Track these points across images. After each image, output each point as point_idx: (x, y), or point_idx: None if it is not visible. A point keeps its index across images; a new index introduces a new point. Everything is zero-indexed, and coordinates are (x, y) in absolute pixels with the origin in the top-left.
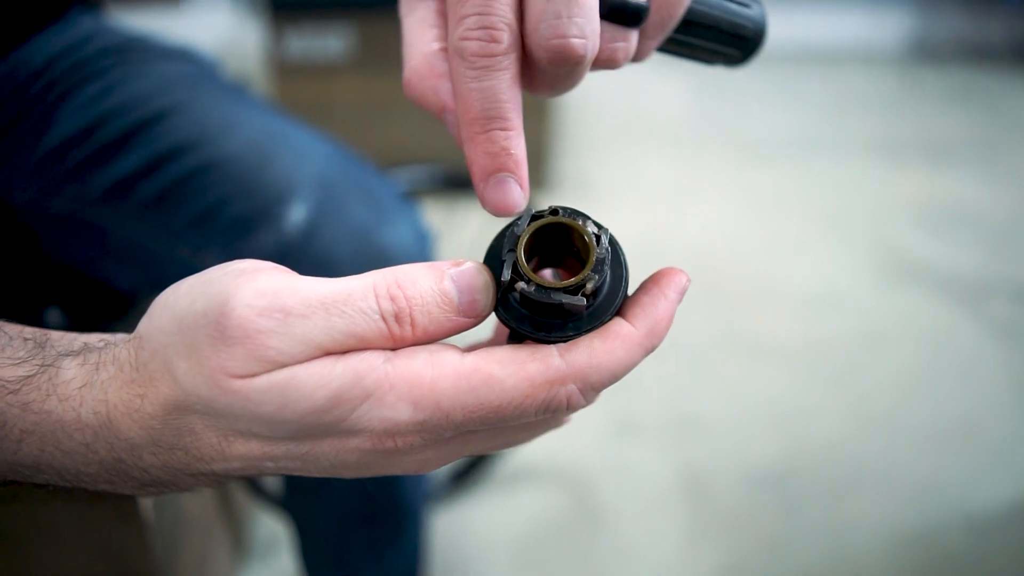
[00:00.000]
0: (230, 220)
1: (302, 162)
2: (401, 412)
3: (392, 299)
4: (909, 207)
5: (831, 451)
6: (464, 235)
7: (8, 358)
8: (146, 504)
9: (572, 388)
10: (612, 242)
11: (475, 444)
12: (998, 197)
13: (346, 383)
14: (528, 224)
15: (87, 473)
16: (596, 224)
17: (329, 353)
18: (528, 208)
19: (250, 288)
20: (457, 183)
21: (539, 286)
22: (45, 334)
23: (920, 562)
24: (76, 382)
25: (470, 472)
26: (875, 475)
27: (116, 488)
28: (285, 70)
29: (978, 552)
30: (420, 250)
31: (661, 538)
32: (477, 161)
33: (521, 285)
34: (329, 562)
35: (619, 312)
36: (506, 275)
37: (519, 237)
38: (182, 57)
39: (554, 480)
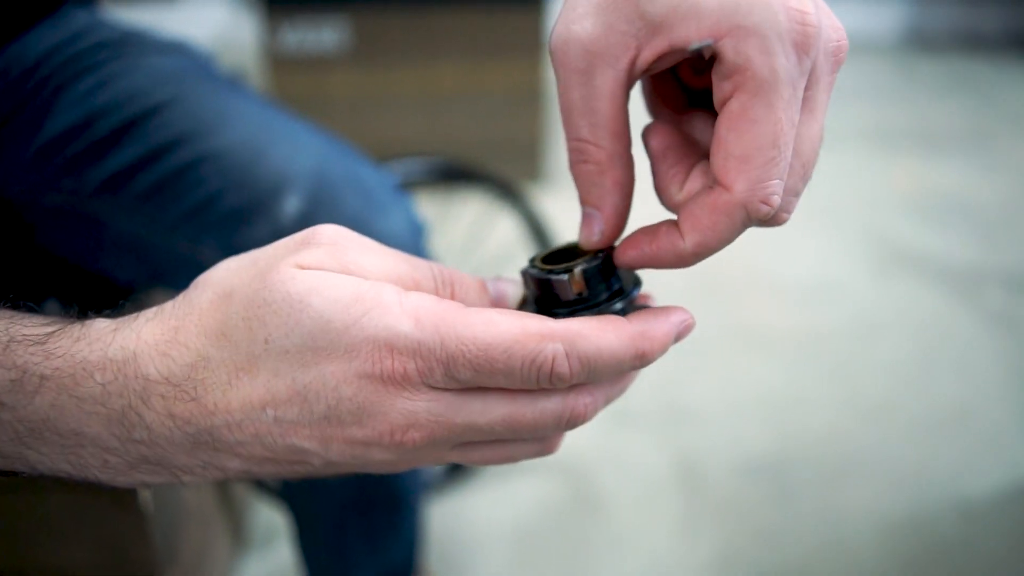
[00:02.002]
0: (226, 212)
1: (296, 154)
2: (403, 323)
3: (440, 271)
4: (904, 196)
5: (825, 439)
6: (459, 228)
7: (37, 321)
8: (145, 495)
9: (559, 347)
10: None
11: (466, 414)
12: (992, 186)
13: (364, 289)
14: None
15: (89, 434)
16: None
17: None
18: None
19: (335, 225)
20: (452, 176)
21: (538, 267)
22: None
23: (913, 548)
24: (109, 327)
25: None
26: (869, 463)
27: (108, 467)
28: (280, 63)
29: (971, 538)
30: (414, 242)
31: (656, 526)
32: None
33: (527, 266)
34: (327, 551)
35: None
36: (524, 265)
37: (551, 248)
38: (177, 51)
39: (550, 469)
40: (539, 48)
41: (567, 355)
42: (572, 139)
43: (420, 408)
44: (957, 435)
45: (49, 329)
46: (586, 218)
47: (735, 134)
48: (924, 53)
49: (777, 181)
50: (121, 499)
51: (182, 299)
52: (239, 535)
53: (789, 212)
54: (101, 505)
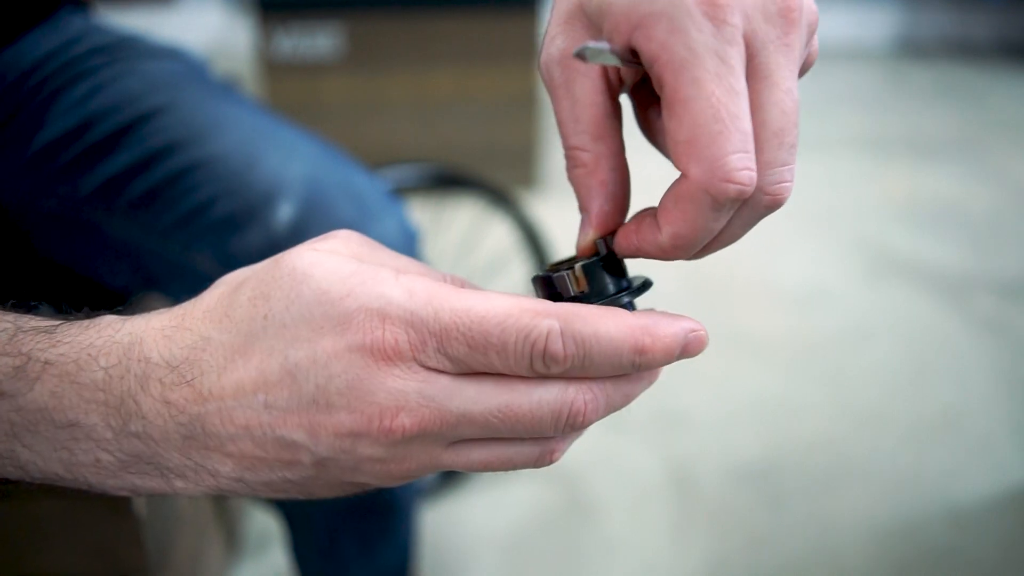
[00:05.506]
0: (219, 219)
1: (290, 161)
2: (396, 292)
3: (453, 279)
4: (895, 203)
5: (816, 445)
6: (452, 234)
7: (46, 315)
8: (139, 500)
9: (554, 324)
10: (622, 267)
11: (459, 401)
12: (982, 193)
13: (364, 266)
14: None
15: (85, 425)
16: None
17: None
18: None
19: (354, 232)
20: (446, 182)
21: (544, 268)
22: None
23: (903, 554)
24: (119, 318)
25: None
26: (859, 468)
27: (100, 467)
28: (274, 69)
29: (961, 544)
30: (407, 248)
31: (648, 531)
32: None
33: (536, 271)
34: (320, 557)
35: None
36: (537, 272)
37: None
38: (171, 56)
39: (543, 475)
40: (533, 54)
41: (561, 332)
42: (566, 147)
43: (411, 388)
44: (948, 441)
45: (58, 321)
46: (581, 222)
47: (675, 120)
48: (915, 60)
49: (736, 156)
50: (114, 505)
51: (197, 297)
52: (233, 541)
53: (783, 187)
54: (94, 511)
